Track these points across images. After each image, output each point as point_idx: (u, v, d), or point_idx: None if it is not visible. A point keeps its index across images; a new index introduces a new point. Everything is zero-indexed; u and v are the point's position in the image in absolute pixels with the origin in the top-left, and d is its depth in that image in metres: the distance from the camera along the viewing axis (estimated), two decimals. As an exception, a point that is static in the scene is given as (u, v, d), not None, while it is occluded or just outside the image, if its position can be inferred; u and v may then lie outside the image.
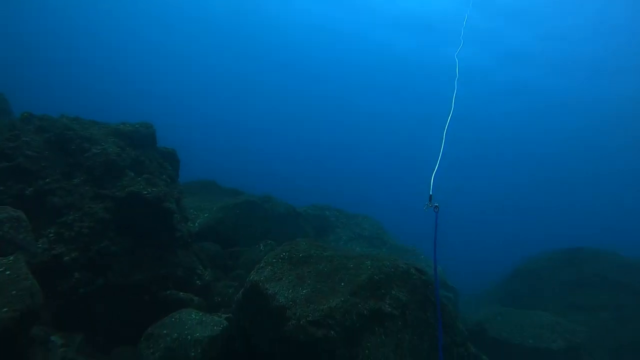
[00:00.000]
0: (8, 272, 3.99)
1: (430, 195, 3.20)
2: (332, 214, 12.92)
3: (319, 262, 5.76)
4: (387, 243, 12.71)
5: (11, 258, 4.20)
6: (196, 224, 8.69)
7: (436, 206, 3.08)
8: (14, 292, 3.78)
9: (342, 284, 5.34)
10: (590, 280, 13.12)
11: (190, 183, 11.57)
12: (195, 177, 12.67)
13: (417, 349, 5.21)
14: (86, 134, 6.99)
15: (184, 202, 8.32)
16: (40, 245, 5.81)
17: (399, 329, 5.18)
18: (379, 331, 5.04)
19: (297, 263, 5.75)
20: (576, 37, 28.27)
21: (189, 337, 5.54)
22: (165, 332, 5.62)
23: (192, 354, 5.40)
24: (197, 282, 6.77)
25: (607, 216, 55.77)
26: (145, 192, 6.45)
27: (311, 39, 42.56)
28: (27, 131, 6.72)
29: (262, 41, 45.07)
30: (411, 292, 5.63)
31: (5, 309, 3.58)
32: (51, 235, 5.97)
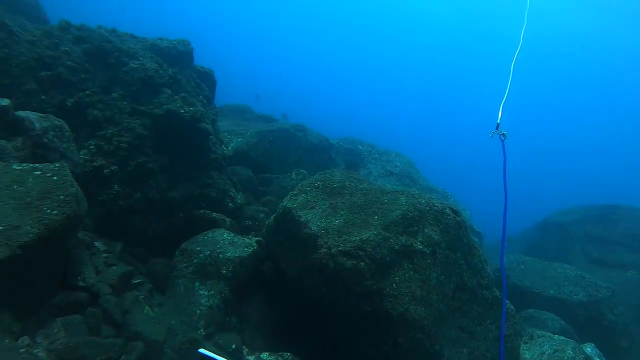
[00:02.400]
0: (55, 178, 4.11)
1: (498, 123, 3.06)
2: (365, 148, 12.71)
3: (354, 193, 5.73)
4: (418, 182, 12.56)
5: (57, 165, 4.31)
6: (229, 148, 8.71)
7: (503, 134, 2.97)
8: (61, 197, 3.90)
9: (376, 217, 5.32)
10: (621, 239, 12.81)
11: (224, 106, 11.48)
12: (229, 101, 12.55)
13: (443, 287, 5.27)
14: (124, 47, 6.83)
15: (218, 124, 8.28)
16: (81, 156, 5.95)
17: (427, 266, 5.21)
18: (407, 267, 5.08)
19: (331, 193, 5.73)
20: None
21: (220, 255, 5.76)
22: (198, 248, 5.86)
23: (224, 271, 5.64)
24: (230, 204, 6.91)
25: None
26: (182, 111, 6.40)
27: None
28: (66, 40, 6.61)
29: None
30: (444, 231, 5.58)
31: (55, 212, 3.73)
32: (92, 147, 6.07)
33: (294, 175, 8.33)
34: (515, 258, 11.57)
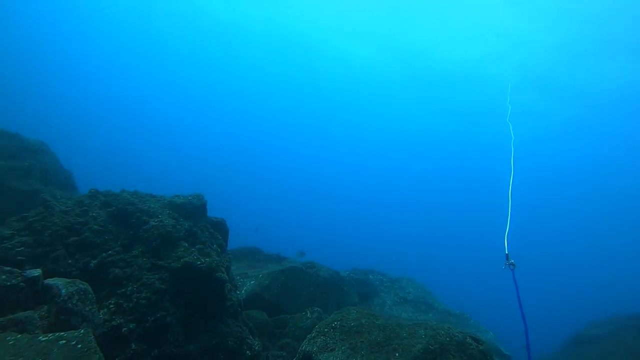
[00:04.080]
0: (79, 346, 4.20)
1: (507, 254, 3.29)
2: (375, 277, 12.67)
3: (372, 331, 5.66)
4: (434, 307, 12.20)
5: (82, 332, 4.42)
6: (243, 292, 8.78)
7: (512, 263, 3.16)
8: (85, 366, 3.94)
9: (397, 354, 5.20)
10: (666, 350, 11.89)
11: (236, 250, 11.86)
12: (236, 244, 12.97)
13: None
14: (145, 207, 7.48)
15: (232, 270, 8.51)
16: (101, 316, 6.05)
17: (459, 404, 4.91)
18: (439, 407, 4.79)
19: (350, 332, 5.68)
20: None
21: (241, 412, 5.45)
22: (217, 406, 5.56)
23: None
24: (247, 352, 6.74)
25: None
26: (199, 263, 6.70)
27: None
28: (94, 206, 7.29)
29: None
30: (469, 363, 5.37)
31: (79, 383, 3.73)
32: (111, 306, 6.22)
33: (309, 314, 8.22)
34: (556, 382, 10.63)
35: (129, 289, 6.37)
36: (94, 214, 7.06)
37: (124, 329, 5.97)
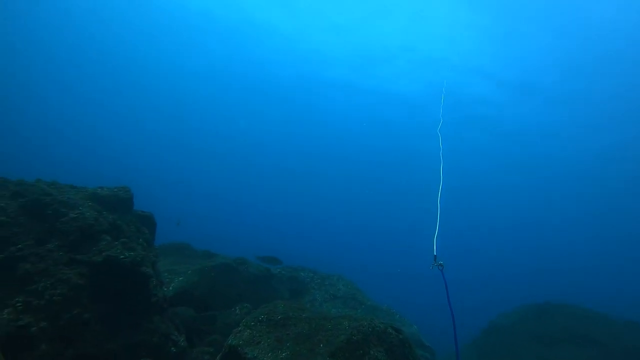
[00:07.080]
0: (-20, 345, 3.87)
1: (435, 255, 3.53)
2: (306, 275, 12.88)
3: (298, 324, 5.81)
4: (363, 303, 12.70)
5: (-17, 329, 4.08)
6: (170, 288, 8.53)
7: (440, 264, 3.42)
8: (-14, 365, 3.65)
9: (321, 345, 5.38)
10: (560, 334, 13.45)
11: (164, 245, 11.43)
12: (167, 240, 12.52)
13: (397, 410, 5.21)
14: (63, 199, 7.00)
15: (158, 265, 8.22)
16: (5, 316, 5.58)
17: (378, 389, 5.20)
18: (359, 393, 5.04)
19: (276, 325, 5.77)
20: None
21: (163, 410, 5.32)
22: (137, 405, 5.38)
23: None
24: (172, 349, 6.57)
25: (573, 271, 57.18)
26: (122, 257, 6.42)
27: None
28: (3, 197, 6.68)
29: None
30: (389, 351, 5.71)
31: (-23, 384, 3.45)
32: (19, 304, 5.74)
33: (238, 311, 8.19)
34: (470, 369, 11.57)
35: (40, 285, 5.92)
36: (2, 205, 6.47)
37: (32, 329, 5.54)
